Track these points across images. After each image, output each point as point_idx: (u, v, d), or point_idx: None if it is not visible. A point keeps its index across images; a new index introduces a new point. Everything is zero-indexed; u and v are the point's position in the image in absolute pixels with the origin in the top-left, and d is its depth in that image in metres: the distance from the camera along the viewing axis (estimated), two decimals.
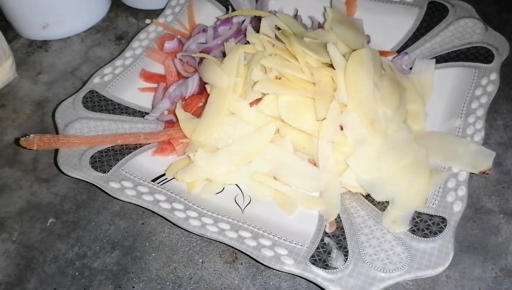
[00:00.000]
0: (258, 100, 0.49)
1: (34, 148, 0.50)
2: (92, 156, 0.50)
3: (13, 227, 0.50)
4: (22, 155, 0.56)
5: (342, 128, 0.47)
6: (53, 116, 0.55)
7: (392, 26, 0.64)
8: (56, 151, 0.50)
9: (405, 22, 0.64)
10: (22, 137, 0.50)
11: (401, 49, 0.62)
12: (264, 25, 0.53)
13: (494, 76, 0.54)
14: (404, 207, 0.45)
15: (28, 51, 0.68)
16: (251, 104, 0.49)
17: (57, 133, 0.52)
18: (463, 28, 0.60)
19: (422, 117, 0.53)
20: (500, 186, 0.51)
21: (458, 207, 0.44)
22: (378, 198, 0.46)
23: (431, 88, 0.56)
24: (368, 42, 0.63)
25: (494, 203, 0.50)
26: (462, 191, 0.45)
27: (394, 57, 0.60)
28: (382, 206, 0.46)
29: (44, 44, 0.69)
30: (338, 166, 0.47)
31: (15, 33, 0.71)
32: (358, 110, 0.47)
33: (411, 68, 0.58)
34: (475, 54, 0.57)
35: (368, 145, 0.47)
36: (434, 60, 0.58)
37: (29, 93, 0.63)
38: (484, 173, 0.47)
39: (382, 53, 0.60)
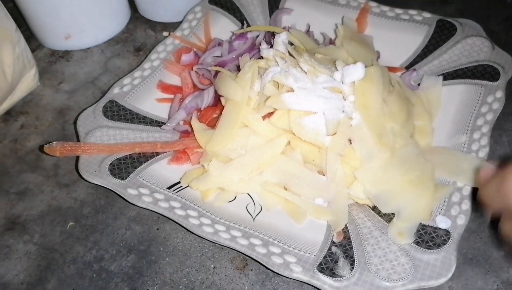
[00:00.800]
0: (270, 113, 0.51)
1: (57, 155, 0.52)
2: (111, 163, 0.52)
3: (34, 229, 0.53)
4: (44, 161, 0.59)
5: (350, 142, 0.49)
6: (74, 124, 0.57)
7: (401, 43, 0.65)
8: (77, 157, 0.53)
9: (414, 39, 0.65)
10: (45, 144, 0.53)
11: (410, 66, 0.63)
12: (277, 41, 0.55)
13: (499, 94, 0.56)
14: (410, 220, 0.46)
15: (51, 61, 0.71)
16: (264, 117, 0.52)
17: (78, 140, 0.55)
18: (471, 46, 0.62)
19: (429, 132, 0.55)
20: None
21: (462, 221, 0.46)
22: (384, 210, 0.48)
23: (438, 104, 0.58)
24: (378, 58, 0.65)
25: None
26: (466, 205, 0.47)
27: (403, 73, 0.62)
28: (388, 217, 0.48)
29: (66, 54, 0.72)
30: (346, 178, 0.49)
31: (38, 43, 0.74)
32: (367, 124, 0.49)
33: (419, 84, 0.60)
34: (481, 72, 0.59)
35: (376, 159, 0.48)
36: (441, 77, 0.59)
37: (51, 101, 0.66)
38: None
39: (391, 69, 0.62)
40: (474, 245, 0.49)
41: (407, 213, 0.47)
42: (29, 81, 0.65)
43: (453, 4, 0.76)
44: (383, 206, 0.48)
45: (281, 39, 0.55)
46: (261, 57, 0.56)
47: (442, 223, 0.46)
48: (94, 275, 0.49)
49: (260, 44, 0.58)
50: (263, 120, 0.52)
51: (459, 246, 0.47)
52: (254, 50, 0.61)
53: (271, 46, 0.56)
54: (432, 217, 0.47)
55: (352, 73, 0.50)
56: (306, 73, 0.51)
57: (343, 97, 0.51)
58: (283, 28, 0.65)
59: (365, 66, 0.51)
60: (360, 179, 0.48)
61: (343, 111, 0.50)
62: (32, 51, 0.69)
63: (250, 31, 0.65)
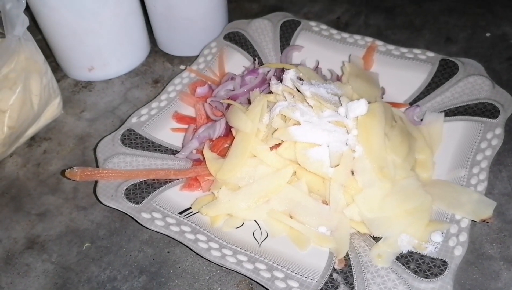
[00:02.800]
0: (278, 145, 0.54)
1: (77, 179, 0.56)
2: (127, 188, 0.55)
3: (53, 249, 0.56)
4: (64, 185, 0.62)
5: (353, 173, 0.52)
6: (94, 150, 0.61)
7: (406, 80, 0.68)
8: (96, 182, 0.56)
9: (418, 77, 0.68)
10: (66, 169, 0.57)
11: (414, 102, 0.66)
12: (286, 77, 0.58)
13: (499, 130, 0.58)
14: (394, 246, 0.49)
15: (74, 91, 0.76)
16: (271, 148, 0.55)
17: (97, 166, 0.58)
18: (472, 85, 0.64)
19: (430, 166, 0.57)
20: (502, 234, 0.54)
21: (459, 252, 0.48)
22: (375, 233, 0.50)
23: (439, 139, 0.60)
24: (383, 94, 0.68)
25: (495, 250, 0.53)
26: (463, 237, 0.49)
27: (406, 109, 0.64)
28: None
29: (88, 85, 0.76)
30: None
31: (63, 73, 0.78)
32: (369, 157, 0.52)
33: (422, 120, 0.63)
34: (482, 110, 0.61)
35: (376, 188, 0.51)
36: (443, 113, 0.62)
37: (73, 128, 0.70)
38: (484, 221, 0.50)
39: (396, 105, 0.65)
40: (473, 276, 0.51)
41: (395, 240, 0.49)
42: (53, 109, 0.70)
43: (457, 44, 0.80)
44: (374, 230, 0.50)
45: (289, 75, 0.58)
46: (271, 92, 0.59)
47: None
48: None
49: (270, 79, 0.62)
50: (271, 151, 0.55)
51: (457, 276, 0.49)
52: (264, 85, 0.65)
53: (281, 81, 0.60)
54: (421, 250, 0.49)
55: (355, 109, 0.53)
56: (312, 107, 0.55)
57: (347, 130, 0.53)
58: (292, 64, 0.68)
59: (369, 102, 0.54)
60: (357, 203, 0.51)
61: (346, 144, 0.53)
62: (58, 81, 0.73)
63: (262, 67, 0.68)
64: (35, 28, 0.75)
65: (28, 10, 0.65)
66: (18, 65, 0.61)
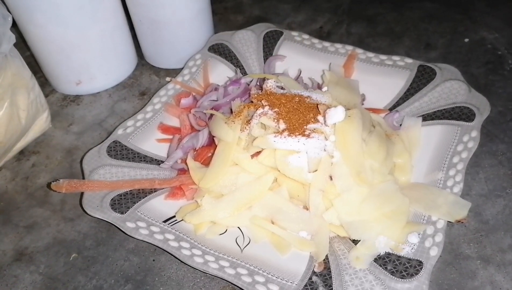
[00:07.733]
0: (258, 152, 0.56)
1: (63, 191, 0.57)
2: (112, 199, 0.56)
3: (40, 260, 0.57)
4: (52, 197, 0.63)
5: (331, 178, 0.53)
6: (81, 162, 0.62)
7: (385, 87, 0.70)
8: (82, 193, 0.57)
9: (397, 83, 0.70)
10: (53, 181, 0.58)
11: (393, 107, 0.68)
12: (265, 87, 0.60)
13: (474, 133, 0.60)
14: (372, 248, 0.50)
15: (62, 104, 0.77)
16: (252, 156, 0.56)
17: (83, 178, 0.60)
18: (449, 89, 0.66)
19: (409, 169, 0.59)
20: (478, 234, 0.55)
21: (434, 252, 0.49)
22: (353, 236, 0.52)
23: (417, 143, 0.62)
24: (364, 100, 0.69)
25: (472, 250, 0.54)
26: (439, 238, 0.50)
27: (386, 115, 0.66)
28: None
29: (76, 99, 0.78)
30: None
31: (52, 88, 0.80)
32: (347, 162, 0.53)
33: (401, 125, 0.64)
34: (458, 113, 0.63)
35: (354, 193, 0.52)
36: (421, 118, 0.64)
37: (61, 141, 0.71)
38: (459, 221, 0.51)
39: (376, 111, 0.67)
40: (450, 276, 0.52)
41: (372, 242, 0.50)
42: (41, 123, 0.71)
43: (437, 50, 0.82)
44: (353, 233, 0.52)
45: (269, 85, 0.59)
46: (252, 101, 0.61)
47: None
48: None
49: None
50: (252, 158, 0.56)
51: (435, 277, 0.51)
52: (246, 94, 0.66)
53: (261, 91, 0.61)
54: (398, 251, 0.50)
55: (333, 116, 0.55)
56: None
57: (325, 137, 0.55)
58: (274, 74, 0.70)
59: (347, 109, 0.56)
60: (336, 207, 0.52)
61: (324, 150, 0.54)
62: (46, 95, 0.74)
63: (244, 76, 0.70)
64: (23, 44, 0.76)
65: (15, 28, 0.66)
66: (5, 81, 0.62)
